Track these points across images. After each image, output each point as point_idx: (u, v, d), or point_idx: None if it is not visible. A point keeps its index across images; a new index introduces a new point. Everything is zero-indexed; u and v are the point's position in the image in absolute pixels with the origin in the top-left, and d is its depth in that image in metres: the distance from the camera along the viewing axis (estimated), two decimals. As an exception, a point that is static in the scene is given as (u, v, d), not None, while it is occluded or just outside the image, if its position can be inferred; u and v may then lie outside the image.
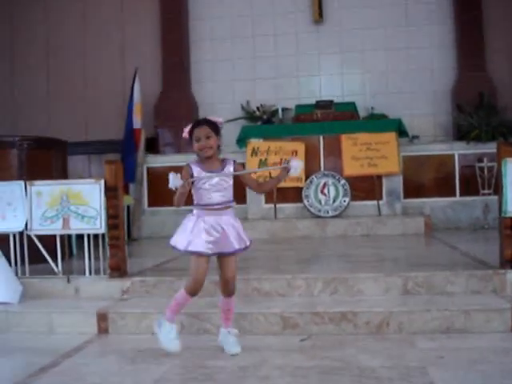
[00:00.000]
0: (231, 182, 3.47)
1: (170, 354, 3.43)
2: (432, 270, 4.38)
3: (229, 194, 3.45)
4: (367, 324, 3.82)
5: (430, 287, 4.23)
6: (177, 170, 9.03)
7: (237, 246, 3.40)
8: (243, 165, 7.52)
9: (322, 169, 7.89)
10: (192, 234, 3.36)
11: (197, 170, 3.41)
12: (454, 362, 3.18)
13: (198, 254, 3.35)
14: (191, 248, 3.35)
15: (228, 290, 3.47)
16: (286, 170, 3.34)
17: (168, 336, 3.44)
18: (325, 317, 3.85)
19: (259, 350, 3.50)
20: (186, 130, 3.47)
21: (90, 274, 4.75)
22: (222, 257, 3.45)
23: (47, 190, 4.71)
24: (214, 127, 3.43)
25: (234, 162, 3.51)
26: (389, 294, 4.24)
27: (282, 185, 7.77)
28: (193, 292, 3.40)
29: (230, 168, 3.46)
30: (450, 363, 3.17)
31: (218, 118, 3.53)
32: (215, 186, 3.39)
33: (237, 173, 3.46)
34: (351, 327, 3.82)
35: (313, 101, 8.57)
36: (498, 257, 4.42)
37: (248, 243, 3.48)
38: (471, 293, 4.19)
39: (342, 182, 7.71)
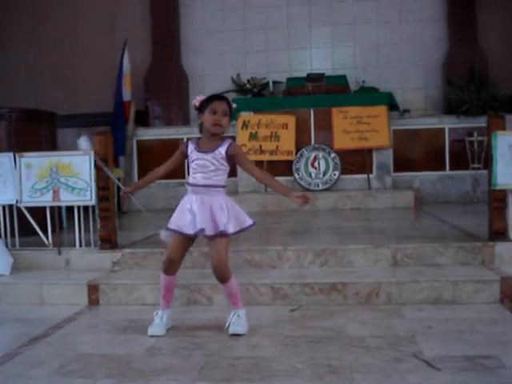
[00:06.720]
0: (223, 166, 3.23)
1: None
2: (421, 242, 4.41)
3: (216, 178, 3.21)
4: (356, 295, 3.85)
5: (419, 259, 4.26)
6: (167, 142, 8.85)
7: (213, 230, 3.16)
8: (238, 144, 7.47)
9: (313, 142, 7.88)
10: (176, 212, 3.25)
11: (191, 148, 3.26)
12: (443, 332, 3.22)
13: (175, 232, 3.24)
14: (169, 225, 3.24)
15: (216, 275, 3.26)
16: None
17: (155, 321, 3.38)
18: (315, 287, 3.88)
19: (250, 320, 3.51)
20: (199, 98, 3.27)
21: (81, 245, 4.74)
22: (208, 240, 3.24)
23: (37, 161, 4.67)
24: (230, 108, 3.26)
25: (231, 144, 3.25)
26: (378, 266, 4.28)
27: (273, 158, 7.79)
28: (165, 269, 3.30)
29: (221, 150, 3.22)
30: (438, 333, 3.21)
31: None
32: (201, 167, 3.21)
33: None
34: (341, 298, 3.86)
35: (304, 74, 8.52)
36: (487, 229, 4.45)
37: (235, 229, 3.21)
38: (460, 264, 4.22)
39: (333, 155, 7.71)
